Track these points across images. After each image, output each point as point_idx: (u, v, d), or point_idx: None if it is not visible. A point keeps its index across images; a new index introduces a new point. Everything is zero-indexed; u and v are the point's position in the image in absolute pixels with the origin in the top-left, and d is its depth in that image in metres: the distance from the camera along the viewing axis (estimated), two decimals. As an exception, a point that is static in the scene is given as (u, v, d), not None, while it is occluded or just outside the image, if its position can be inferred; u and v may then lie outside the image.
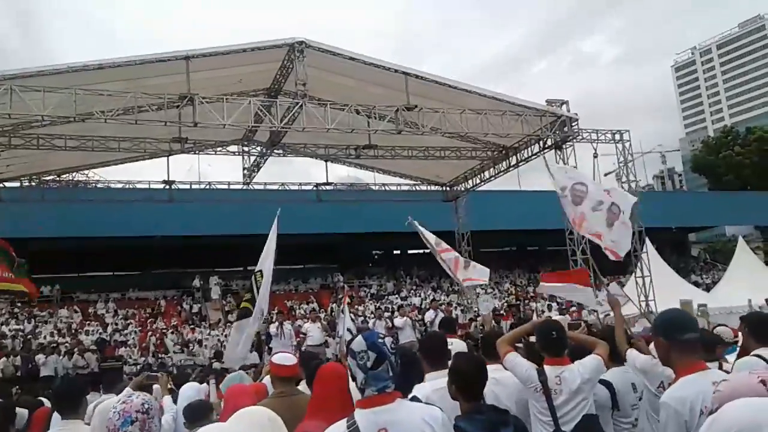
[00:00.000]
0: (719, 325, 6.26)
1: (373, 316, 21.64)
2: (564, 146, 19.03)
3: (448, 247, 12.85)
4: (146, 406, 2.88)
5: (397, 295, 31.50)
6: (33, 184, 20.49)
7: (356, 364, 2.59)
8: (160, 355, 20.85)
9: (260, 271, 9.30)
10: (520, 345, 4.78)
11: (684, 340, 2.95)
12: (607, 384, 4.37)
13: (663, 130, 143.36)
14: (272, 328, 14.60)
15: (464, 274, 12.82)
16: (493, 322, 18.34)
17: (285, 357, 4.44)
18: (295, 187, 24.18)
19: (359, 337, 2.66)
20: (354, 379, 2.62)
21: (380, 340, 2.62)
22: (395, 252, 40.64)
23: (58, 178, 22.03)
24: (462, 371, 3.38)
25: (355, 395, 3.30)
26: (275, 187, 23.77)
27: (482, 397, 3.40)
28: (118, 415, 2.81)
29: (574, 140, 18.92)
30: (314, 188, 23.98)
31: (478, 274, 12.90)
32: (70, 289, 28.67)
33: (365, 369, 2.56)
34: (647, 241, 19.14)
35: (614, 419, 4.45)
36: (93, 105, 14.72)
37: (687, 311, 5.91)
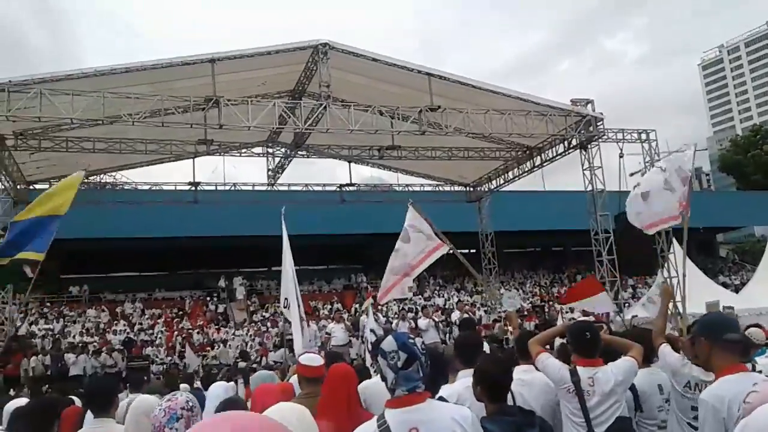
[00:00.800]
0: (751, 326, 6.17)
1: (396, 316, 21.66)
2: (589, 146, 18.88)
3: (436, 245, 11.02)
4: (190, 403, 2.94)
5: (420, 296, 31.46)
6: (62, 186, 20.81)
7: (387, 363, 2.59)
8: (186, 355, 21.05)
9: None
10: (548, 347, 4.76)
11: (726, 340, 3.01)
12: (630, 386, 4.32)
13: (690, 129, 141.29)
14: (296, 329, 14.65)
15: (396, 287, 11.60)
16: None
17: (312, 357, 4.46)
18: (319, 188, 24.30)
19: (390, 337, 2.66)
20: (384, 379, 2.62)
21: (411, 340, 2.63)
22: (418, 253, 40.58)
23: (86, 180, 22.35)
24: (487, 372, 3.38)
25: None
26: (299, 188, 23.91)
27: (506, 398, 3.39)
28: (164, 413, 2.87)
29: (600, 140, 18.77)
30: (338, 189, 24.07)
31: (398, 292, 11.70)
32: (98, 289, 29.07)
33: (396, 369, 2.56)
34: (674, 241, 18.89)
35: (639, 421, 4.41)
36: (120, 108, 14.95)
37: (728, 314, 5.84)
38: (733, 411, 2.75)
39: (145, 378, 14.91)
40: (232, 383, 7.61)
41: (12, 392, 9.57)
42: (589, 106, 18.53)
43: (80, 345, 19.13)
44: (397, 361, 2.56)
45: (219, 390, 5.86)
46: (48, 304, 26.59)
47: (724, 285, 26.78)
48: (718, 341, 3.02)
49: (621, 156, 19.05)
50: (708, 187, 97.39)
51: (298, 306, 9.14)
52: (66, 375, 17.01)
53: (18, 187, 18.83)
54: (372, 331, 12.20)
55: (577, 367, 4.05)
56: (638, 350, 4.24)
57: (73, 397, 7.28)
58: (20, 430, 3.57)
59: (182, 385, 8.46)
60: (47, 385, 15.02)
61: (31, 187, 19.76)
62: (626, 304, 21.57)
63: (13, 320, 18.34)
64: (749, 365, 4.09)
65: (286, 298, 9.45)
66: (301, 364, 4.34)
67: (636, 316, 16.11)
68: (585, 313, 21.48)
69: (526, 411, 3.40)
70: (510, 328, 14.24)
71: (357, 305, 27.66)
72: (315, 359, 4.39)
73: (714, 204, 41.97)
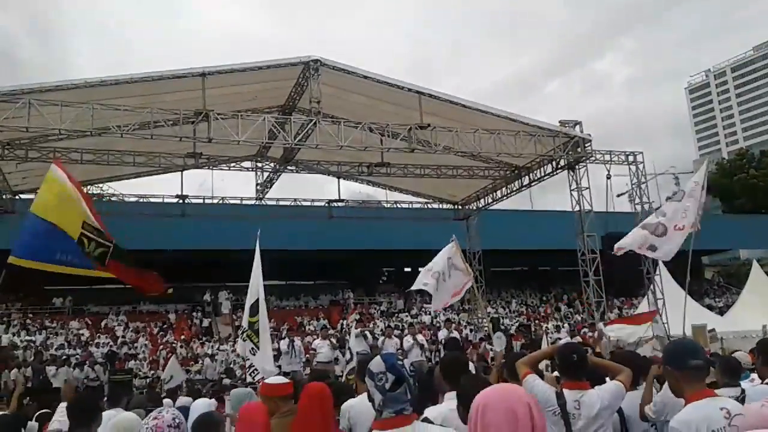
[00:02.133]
0: (737, 350, 6.20)
1: (382, 334, 21.56)
2: (577, 167, 19.01)
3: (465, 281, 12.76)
4: (177, 420, 2.90)
5: (407, 313, 31.38)
6: (48, 196, 20.65)
7: (374, 385, 2.57)
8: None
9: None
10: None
11: (691, 367, 3.09)
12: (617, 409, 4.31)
13: (677, 152, 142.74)
14: (283, 345, 14.59)
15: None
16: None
17: (277, 379, 4.52)
18: (308, 204, 24.26)
19: (378, 358, 2.64)
20: (371, 400, 2.60)
21: (399, 362, 2.61)
22: (406, 269, 40.56)
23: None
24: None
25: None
26: (288, 202, 23.87)
27: None
28: (151, 431, 2.83)
29: (587, 161, 18.91)
30: (326, 205, 24.05)
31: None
32: (82, 301, 28.77)
33: (383, 391, 2.55)
34: (660, 263, 18.99)
35: None
36: (109, 119, 14.89)
37: (692, 340, 5.88)
38: None
39: (129, 392, 14.71)
40: (214, 400, 7.52)
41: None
42: (578, 127, 18.68)
43: (62, 357, 18.87)
44: (385, 383, 2.55)
45: (202, 406, 5.80)
46: (30, 315, 26.28)
47: (710, 307, 26.94)
48: (683, 368, 3.10)
49: (608, 177, 19.23)
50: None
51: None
52: (48, 387, 16.75)
53: (3, 196, 18.67)
54: (349, 349, 12.18)
55: (564, 390, 4.02)
56: (627, 375, 4.21)
57: (49, 411, 7.18)
58: None
59: (165, 400, 8.35)
60: (28, 398, 14.79)
61: (16, 197, 19.60)
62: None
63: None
64: (735, 390, 4.11)
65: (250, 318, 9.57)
66: (269, 384, 4.39)
67: (619, 339, 16.13)
68: (572, 334, 21.57)
69: None
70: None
71: (343, 321, 27.55)
72: (280, 379, 4.46)
73: (700, 226, 42.28)
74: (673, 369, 3.16)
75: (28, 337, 23.24)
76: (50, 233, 8.22)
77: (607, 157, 19.27)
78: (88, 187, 24.18)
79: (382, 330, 23.25)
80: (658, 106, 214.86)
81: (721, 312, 25.79)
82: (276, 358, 15.63)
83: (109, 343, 23.68)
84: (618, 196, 36.64)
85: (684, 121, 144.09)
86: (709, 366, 3.35)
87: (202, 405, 5.94)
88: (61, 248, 8.45)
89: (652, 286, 18.52)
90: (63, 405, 5.28)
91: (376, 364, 2.60)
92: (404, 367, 2.59)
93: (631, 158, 19.49)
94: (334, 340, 15.64)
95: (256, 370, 9.66)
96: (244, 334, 9.97)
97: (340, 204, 24.13)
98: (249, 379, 10.65)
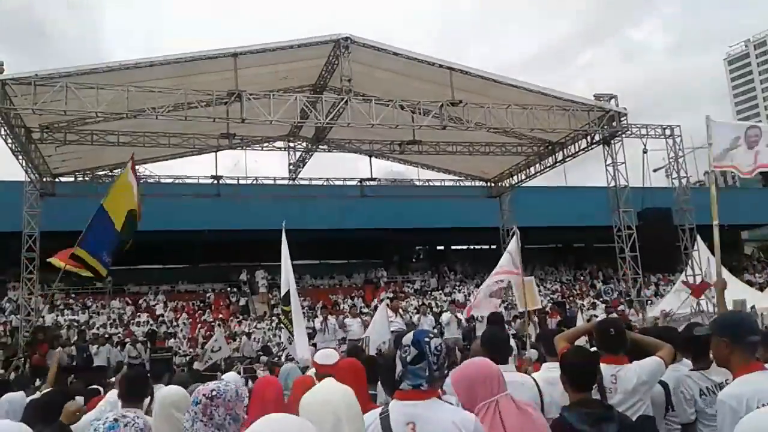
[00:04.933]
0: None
1: (417, 312, 21.66)
2: (612, 142, 18.69)
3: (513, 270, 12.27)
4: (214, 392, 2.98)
5: (441, 291, 31.43)
6: (86, 179, 21.09)
7: (400, 355, 2.68)
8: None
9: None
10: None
11: (748, 342, 3.03)
12: (662, 383, 4.25)
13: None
14: (317, 323, 14.76)
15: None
16: (536, 318, 18.05)
17: (327, 355, 4.52)
18: (340, 183, 24.33)
19: (410, 333, 2.75)
20: (395, 370, 2.72)
21: (426, 339, 2.67)
22: (438, 248, 40.55)
23: (110, 173, 22.62)
24: (570, 363, 3.45)
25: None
26: (320, 182, 23.98)
27: (591, 389, 3.43)
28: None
29: (623, 136, 18.56)
30: (358, 184, 24.09)
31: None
32: (123, 281, 29.45)
33: (405, 363, 2.65)
34: (699, 239, 18.64)
35: (666, 419, 4.35)
36: (144, 102, 15.08)
37: (749, 313, 5.76)
38: (752, 409, 2.73)
39: (169, 369, 15.07)
40: (238, 375, 7.73)
41: (38, 382, 9.73)
42: (613, 101, 18.31)
43: (104, 336, 19.38)
44: (407, 355, 2.65)
45: (231, 380, 5.94)
46: (73, 295, 27.00)
47: (749, 283, 26.43)
48: (741, 342, 3.03)
49: (645, 152, 18.83)
50: (733, 184, 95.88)
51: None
52: (90, 365, 17.24)
53: (44, 179, 19.09)
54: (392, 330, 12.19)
55: (601, 364, 4.01)
56: (668, 350, 4.15)
57: (98, 387, 7.41)
58: (29, 420, 3.64)
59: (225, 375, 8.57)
60: (72, 375, 15.26)
61: (56, 180, 20.02)
62: (649, 302, 21.37)
63: (39, 311, 18.64)
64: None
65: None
66: (317, 363, 4.41)
67: (658, 316, 15.96)
68: (608, 311, 21.34)
69: (606, 405, 3.40)
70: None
71: (377, 300, 27.72)
72: (330, 356, 4.46)
73: (739, 201, 41.32)
74: (730, 342, 3.05)
75: (71, 317, 23.92)
76: (107, 230, 8.67)
77: (644, 131, 18.86)
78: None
79: (416, 308, 23.36)
80: (696, 77, 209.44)
81: (761, 288, 25.32)
82: (311, 336, 15.91)
83: (148, 321, 24.22)
84: (654, 171, 35.92)
85: (723, 92, 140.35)
86: (765, 342, 3.30)
87: (231, 379, 6.08)
88: (107, 249, 8.90)
89: (690, 262, 18.20)
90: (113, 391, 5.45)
91: (406, 337, 2.72)
92: (429, 344, 2.65)
93: (668, 132, 19.04)
94: (365, 319, 15.77)
95: (293, 358, 9.92)
96: (281, 323, 10.24)
97: (372, 182, 24.12)
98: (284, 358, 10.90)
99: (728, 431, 2.80)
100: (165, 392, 3.48)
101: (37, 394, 5.91)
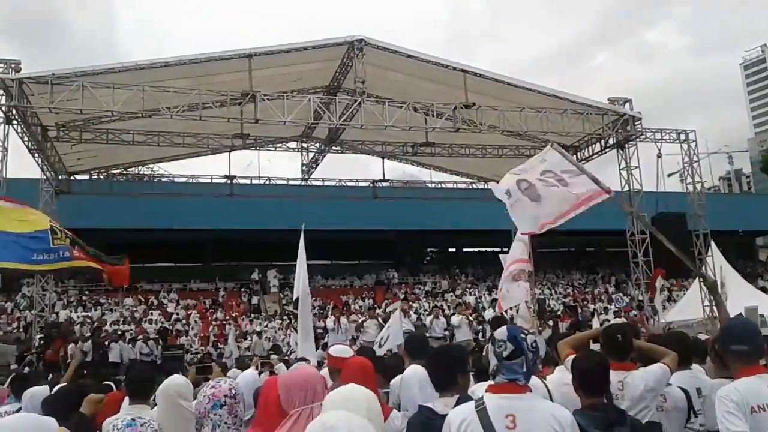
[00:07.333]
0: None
1: (428, 313, 21.63)
2: (626, 146, 18.61)
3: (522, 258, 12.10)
4: (233, 391, 3.02)
5: (452, 293, 31.37)
6: (102, 177, 21.28)
7: (494, 351, 2.74)
8: (219, 345, 21.35)
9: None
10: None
11: (732, 351, 3.18)
12: (683, 390, 4.20)
13: (730, 129, 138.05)
14: (329, 322, 14.78)
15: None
16: (550, 322, 18.03)
17: (342, 349, 4.51)
18: (352, 184, 24.38)
19: (503, 328, 2.82)
20: (489, 364, 2.79)
21: (522, 336, 2.75)
22: (450, 250, 40.48)
23: (125, 172, 22.83)
24: (582, 367, 3.45)
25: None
26: (332, 183, 24.03)
27: (602, 393, 3.45)
28: (208, 399, 2.96)
29: (637, 139, 18.47)
30: (371, 185, 24.13)
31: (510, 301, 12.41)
32: (135, 279, 29.60)
33: (500, 358, 2.71)
34: (713, 244, 18.51)
35: (687, 427, 4.30)
36: (159, 101, 15.21)
37: (748, 321, 5.65)
38: (745, 408, 2.88)
39: (181, 366, 15.16)
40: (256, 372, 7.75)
41: (51, 377, 9.80)
42: (627, 105, 18.25)
43: (116, 333, 19.53)
44: (503, 351, 2.71)
45: (249, 377, 6.00)
46: (87, 292, 27.21)
47: (763, 289, 26.15)
48: (727, 351, 3.24)
49: (659, 156, 18.74)
50: (748, 190, 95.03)
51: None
52: (106, 362, 17.37)
53: (60, 177, 19.28)
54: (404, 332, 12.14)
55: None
56: (673, 358, 4.14)
57: (111, 384, 7.46)
58: (47, 413, 3.68)
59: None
60: (85, 371, 15.38)
61: (72, 178, 20.21)
62: (662, 307, 21.23)
63: (53, 307, 18.81)
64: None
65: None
66: (332, 356, 4.38)
67: (671, 322, 15.87)
68: (618, 315, 21.23)
69: (618, 409, 3.41)
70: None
71: (387, 301, 27.72)
72: (346, 350, 4.44)
73: (754, 206, 41.04)
74: (720, 349, 3.33)
75: (84, 313, 24.11)
76: (20, 239, 8.69)
77: (658, 136, 18.77)
78: (140, 168, 24.85)
79: (426, 310, 23.33)
80: (711, 81, 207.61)
81: (776, 294, 25.06)
82: (323, 335, 15.93)
83: (161, 319, 24.36)
84: (669, 175, 35.69)
85: (738, 97, 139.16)
86: (759, 350, 3.30)
87: (250, 375, 6.11)
88: (36, 249, 8.94)
89: (703, 268, 18.07)
90: None
91: (500, 332, 2.78)
92: (526, 341, 2.73)
93: (682, 136, 18.94)
94: (380, 320, 15.74)
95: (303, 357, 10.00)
96: (291, 325, 10.38)
97: (384, 184, 24.16)
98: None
99: (728, 423, 2.90)
100: (167, 383, 3.50)
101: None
